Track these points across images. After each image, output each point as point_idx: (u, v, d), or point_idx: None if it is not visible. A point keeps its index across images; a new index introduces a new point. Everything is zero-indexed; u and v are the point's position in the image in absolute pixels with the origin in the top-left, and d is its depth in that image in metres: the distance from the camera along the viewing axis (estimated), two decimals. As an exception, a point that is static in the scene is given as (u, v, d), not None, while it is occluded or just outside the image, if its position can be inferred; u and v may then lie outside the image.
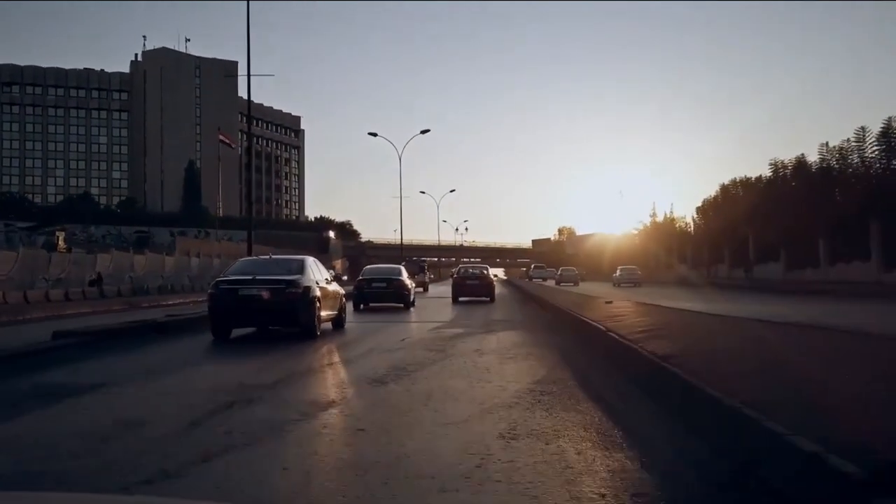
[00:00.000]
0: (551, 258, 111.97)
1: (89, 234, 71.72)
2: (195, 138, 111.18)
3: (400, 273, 19.94)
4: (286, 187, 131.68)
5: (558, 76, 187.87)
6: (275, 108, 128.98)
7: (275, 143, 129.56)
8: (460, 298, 22.01)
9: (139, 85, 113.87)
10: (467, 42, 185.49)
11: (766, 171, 41.19)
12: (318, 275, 11.31)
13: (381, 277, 19.55)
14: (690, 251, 51.01)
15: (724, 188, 49.91)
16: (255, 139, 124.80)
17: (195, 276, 42.89)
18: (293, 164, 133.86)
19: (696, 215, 56.13)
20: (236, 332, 10.68)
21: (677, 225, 61.75)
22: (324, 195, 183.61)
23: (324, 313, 11.00)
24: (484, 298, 21.69)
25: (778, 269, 35.39)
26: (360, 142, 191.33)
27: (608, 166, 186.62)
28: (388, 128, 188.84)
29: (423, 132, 50.82)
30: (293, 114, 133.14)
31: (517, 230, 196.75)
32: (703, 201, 53.59)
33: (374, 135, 50.15)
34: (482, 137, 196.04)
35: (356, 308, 18.22)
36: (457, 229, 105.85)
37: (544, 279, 55.09)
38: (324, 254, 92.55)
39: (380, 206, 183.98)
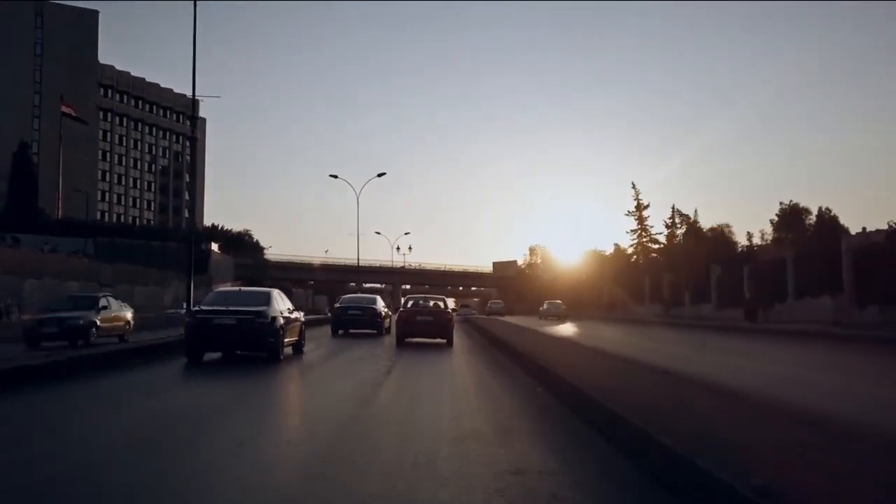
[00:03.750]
0: (516, 285, 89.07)
1: None
2: (32, 112, 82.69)
3: (375, 302, 21.71)
4: (171, 187, 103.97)
5: (519, 93, 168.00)
6: (162, 85, 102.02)
7: (159, 129, 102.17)
8: (408, 339, 17.14)
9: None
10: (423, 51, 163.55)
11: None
12: (282, 305, 12.95)
13: (357, 306, 21.64)
14: (648, 286, 49.06)
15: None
16: (124, 120, 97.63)
17: None
18: (184, 159, 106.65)
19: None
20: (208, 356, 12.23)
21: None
22: (235, 202, 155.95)
23: (286, 340, 12.73)
24: (439, 340, 17.14)
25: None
26: (284, 139, 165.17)
27: (581, 182, 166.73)
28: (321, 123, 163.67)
29: (380, 175, 49.66)
30: (188, 95, 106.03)
31: (474, 252, 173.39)
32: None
33: (335, 177, 49.60)
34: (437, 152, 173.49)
35: (333, 333, 20.64)
36: (397, 248, 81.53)
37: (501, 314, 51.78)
38: (201, 274, 66.31)
39: (301, 214, 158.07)
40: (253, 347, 12.07)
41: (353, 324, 21.05)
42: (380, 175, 49.16)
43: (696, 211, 59.90)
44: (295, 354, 13.43)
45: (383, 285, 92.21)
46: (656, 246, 54.92)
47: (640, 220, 56.17)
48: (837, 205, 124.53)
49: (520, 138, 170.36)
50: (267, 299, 12.54)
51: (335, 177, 48.94)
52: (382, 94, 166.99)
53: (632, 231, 56.27)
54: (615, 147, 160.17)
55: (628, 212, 56.57)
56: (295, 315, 13.67)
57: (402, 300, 20.15)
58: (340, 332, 20.69)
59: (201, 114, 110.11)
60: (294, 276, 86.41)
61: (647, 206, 55.77)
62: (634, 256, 55.89)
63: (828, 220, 47.82)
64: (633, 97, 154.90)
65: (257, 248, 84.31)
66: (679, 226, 48.66)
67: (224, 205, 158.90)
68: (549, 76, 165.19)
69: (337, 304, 22.60)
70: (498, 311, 52.17)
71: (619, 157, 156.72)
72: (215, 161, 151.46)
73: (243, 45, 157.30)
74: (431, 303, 18.78)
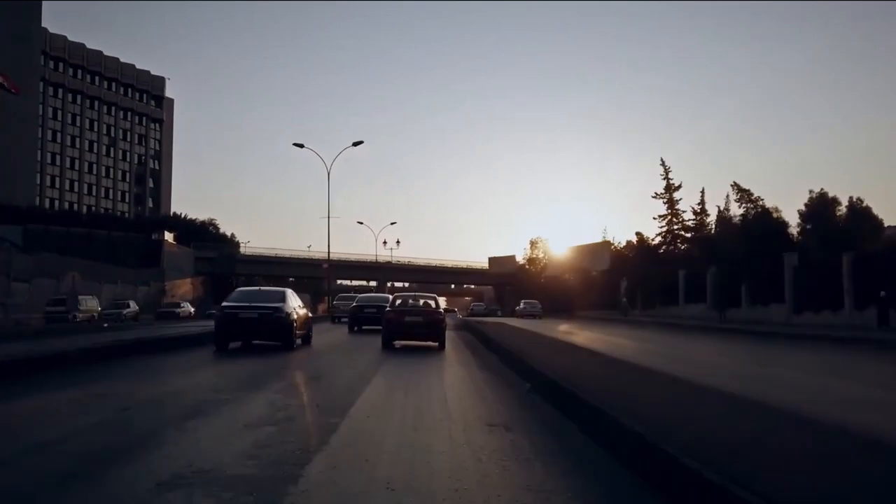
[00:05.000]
0: (515, 282, 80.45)
1: None
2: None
3: (388, 301, 21.25)
4: (130, 173, 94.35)
5: (519, 84, 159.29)
6: (123, 59, 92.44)
7: (119, 109, 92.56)
8: (395, 342, 15.97)
9: None
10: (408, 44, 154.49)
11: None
12: (294, 302, 15.26)
13: (372, 304, 23.38)
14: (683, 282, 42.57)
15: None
16: (77, 97, 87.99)
17: None
18: (151, 142, 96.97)
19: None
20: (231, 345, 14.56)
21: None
22: (208, 193, 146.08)
23: (298, 332, 15.07)
24: (430, 343, 15.93)
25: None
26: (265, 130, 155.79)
27: (582, 173, 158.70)
28: (312, 133, 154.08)
29: (356, 144, 40.86)
30: (152, 72, 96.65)
31: (468, 248, 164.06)
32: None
33: (300, 146, 40.90)
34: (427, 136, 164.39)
35: (350, 330, 22.63)
36: (384, 242, 72.81)
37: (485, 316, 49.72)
38: (153, 267, 57.20)
39: (281, 209, 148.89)
40: (271, 337, 14.45)
41: (369, 321, 22.33)
42: (355, 144, 40.46)
43: (727, 196, 51.38)
44: (304, 344, 15.74)
45: (370, 282, 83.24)
46: (688, 234, 46.08)
47: (671, 203, 47.39)
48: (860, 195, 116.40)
49: (518, 124, 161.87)
50: (283, 297, 14.91)
51: (300, 146, 40.17)
52: (369, 80, 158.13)
53: (660, 217, 47.60)
54: (623, 133, 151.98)
55: (655, 194, 47.97)
56: (304, 311, 16.25)
57: (390, 299, 19.42)
58: (356, 328, 22.75)
59: (169, 94, 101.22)
60: (266, 272, 77.19)
61: (679, 186, 47.21)
62: (662, 248, 47.29)
63: (860, 211, 43.28)
64: (640, 85, 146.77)
65: (224, 240, 75.10)
66: (739, 205, 39.15)
67: (196, 196, 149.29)
68: (545, 62, 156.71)
69: (354, 304, 24.74)
70: (480, 313, 51.00)
71: (626, 144, 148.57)
72: (186, 147, 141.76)
73: (222, 22, 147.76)
74: (421, 302, 17.46)
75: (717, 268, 36.66)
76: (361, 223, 72.73)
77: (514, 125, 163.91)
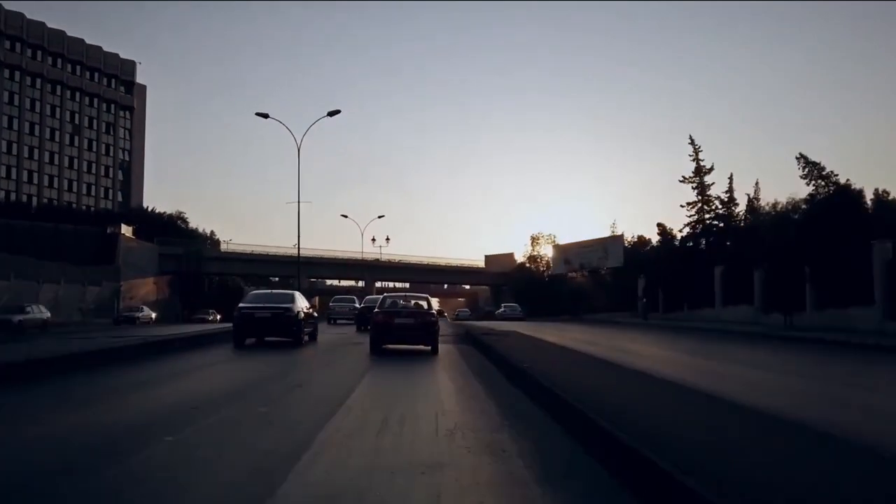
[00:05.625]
0: (514, 282, 74.27)
1: None
2: None
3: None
4: (97, 164, 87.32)
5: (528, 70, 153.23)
6: (88, 41, 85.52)
7: (84, 94, 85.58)
8: (386, 346, 15.02)
9: None
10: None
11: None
12: (302, 304, 17.64)
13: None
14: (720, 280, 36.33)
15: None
16: (37, 81, 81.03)
17: None
18: (120, 131, 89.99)
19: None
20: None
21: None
22: (187, 188, 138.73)
23: (305, 330, 17.38)
24: (422, 347, 15.04)
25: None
26: (250, 126, 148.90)
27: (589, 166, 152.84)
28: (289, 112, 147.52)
29: (332, 114, 34.94)
30: (122, 56, 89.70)
31: (462, 245, 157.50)
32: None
33: (265, 116, 34.31)
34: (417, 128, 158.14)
35: (358, 329, 25.15)
36: (372, 239, 66.73)
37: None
38: (107, 264, 50.44)
39: (262, 204, 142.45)
40: (282, 334, 16.52)
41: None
42: (331, 114, 34.07)
43: (756, 183, 45.17)
44: (311, 341, 17.85)
45: (358, 282, 76.84)
46: (721, 223, 39.77)
47: (702, 188, 41.00)
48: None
49: (518, 114, 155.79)
50: (292, 299, 17.24)
51: (265, 116, 33.70)
52: (362, 70, 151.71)
53: (688, 204, 41.29)
54: (630, 121, 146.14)
55: (683, 178, 41.46)
56: (310, 311, 18.62)
57: (379, 300, 17.75)
58: (363, 327, 23.63)
59: (141, 80, 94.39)
60: (245, 271, 70.55)
61: (711, 168, 40.84)
62: (691, 241, 41.13)
63: (887, 203, 38.68)
64: (648, 71, 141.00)
65: (194, 236, 68.38)
66: (807, 181, 31.75)
67: (174, 192, 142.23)
68: (548, 47, 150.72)
69: (363, 304, 26.50)
70: (466, 318, 50.88)
71: (636, 133, 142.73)
72: (162, 137, 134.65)
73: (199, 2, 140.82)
74: (412, 302, 16.42)
75: (770, 262, 30.50)
76: (346, 216, 65.90)
77: (514, 114, 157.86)
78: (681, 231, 42.15)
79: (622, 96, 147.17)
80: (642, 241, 61.06)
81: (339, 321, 30.85)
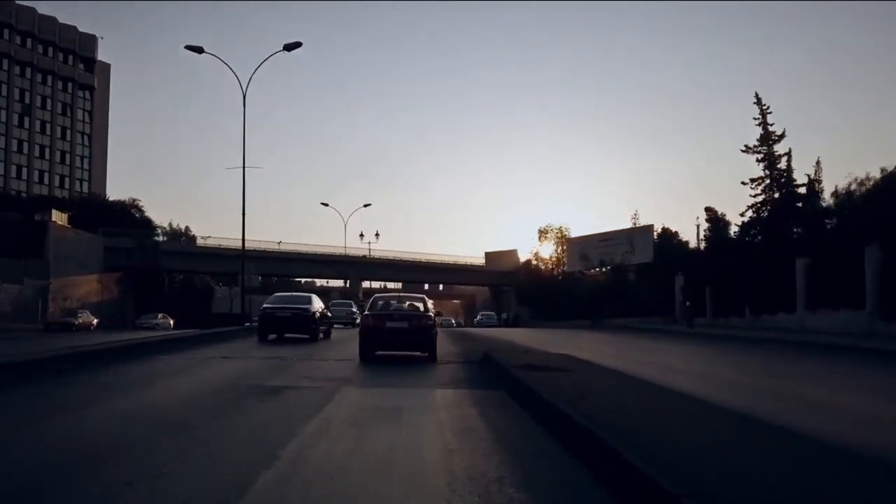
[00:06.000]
0: (519, 283, 65.41)
1: None
2: None
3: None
4: (51, 148, 78.16)
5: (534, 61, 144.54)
6: (41, 11, 76.48)
7: (37, 71, 76.51)
8: (378, 352, 13.29)
9: None
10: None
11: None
12: (318, 304, 19.89)
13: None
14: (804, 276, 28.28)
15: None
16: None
17: None
18: (78, 113, 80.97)
19: None
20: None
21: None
22: (163, 178, 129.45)
23: (321, 328, 19.53)
24: (418, 353, 13.28)
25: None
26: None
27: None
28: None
29: (289, 47, 27.32)
30: (80, 29, 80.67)
31: (460, 242, 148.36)
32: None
33: (198, 50, 27.60)
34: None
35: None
36: (361, 235, 57.98)
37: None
38: (35, 258, 41.52)
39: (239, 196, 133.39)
40: (301, 331, 18.65)
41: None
42: (288, 47, 25.22)
43: (818, 161, 36.01)
44: (325, 337, 19.75)
45: (346, 282, 67.83)
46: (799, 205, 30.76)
47: (770, 160, 31.85)
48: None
49: (524, 96, 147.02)
50: (309, 300, 19.56)
51: (199, 50, 25.02)
52: (353, 56, 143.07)
53: (753, 181, 32.30)
54: (649, 102, 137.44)
55: (746, 147, 32.38)
56: (324, 311, 20.74)
57: (369, 301, 15.58)
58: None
59: (105, 57, 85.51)
60: (214, 269, 61.62)
61: (782, 135, 31.64)
62: (754, 230, 32.24)
63: None
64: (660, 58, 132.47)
65: (150, 227, 59.36)
66: None
67: (144, 182, 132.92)
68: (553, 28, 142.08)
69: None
70: (448, 325, 51.34)
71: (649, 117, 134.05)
72: (131, 122, 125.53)
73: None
74: (406, 304, 14.52)
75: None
76: (326, 205, 56.53)
77: (518, 103, 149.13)
78: (742, 214, 33.05)
79: (644, 76, 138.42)
80: (669, 234, 52.46)
81: (335, 325, 28.65)
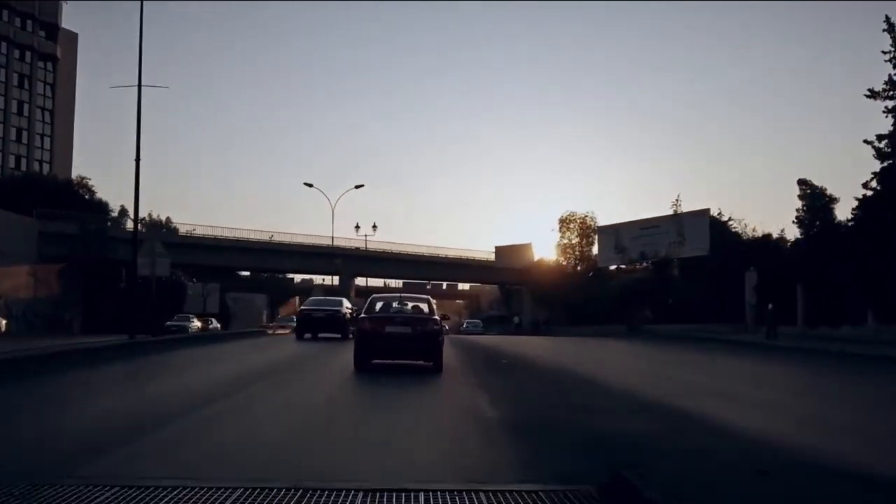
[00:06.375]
0: (535, 281, 56.67)
1: None
2: None
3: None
4: (5, 124, 69.37)
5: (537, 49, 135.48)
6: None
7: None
8: (375, 360, 12.05)
9: None
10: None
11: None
12: (348, 306, 23.48)
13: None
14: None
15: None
16: None
17: None
18: (38, 86, 72.28)
19: None
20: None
21: None
22: (150, 167, 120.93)
23: (351, 328, 20.08)
24: (422, 363, 11.87)
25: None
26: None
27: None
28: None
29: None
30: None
31: (467, 235, 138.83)
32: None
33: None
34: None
35: None
36: (357, 226, 49.86)
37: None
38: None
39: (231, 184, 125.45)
40: (333, 331, 21.92)
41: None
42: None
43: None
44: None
45: (331, 279, 59.05)
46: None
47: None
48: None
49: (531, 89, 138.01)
50: (340, 303, 23.55)
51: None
52: (352, 49, 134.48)
53: (880, 138, 23.25)
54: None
55: (871, 91, 23.32)
56: (353, 311, 22.33)
57: (366, 302, 13.68)
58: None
59: (71, 26, 77.00)
60: (193, 260, 52.69)
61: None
62: (853, 214, 23.15)
63: None
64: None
65: (99, 210, 50.57)
66: None
67: (120, 167, 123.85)
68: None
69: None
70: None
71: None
72: (104, 98, 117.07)
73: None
74: (409, 305, 13.21)
75: None
76: (310, 185, 47.42)
77: (530, 88, 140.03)
78: (866, 185, 23.92)
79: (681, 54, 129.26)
80: (720, 223, 43.63)
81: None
